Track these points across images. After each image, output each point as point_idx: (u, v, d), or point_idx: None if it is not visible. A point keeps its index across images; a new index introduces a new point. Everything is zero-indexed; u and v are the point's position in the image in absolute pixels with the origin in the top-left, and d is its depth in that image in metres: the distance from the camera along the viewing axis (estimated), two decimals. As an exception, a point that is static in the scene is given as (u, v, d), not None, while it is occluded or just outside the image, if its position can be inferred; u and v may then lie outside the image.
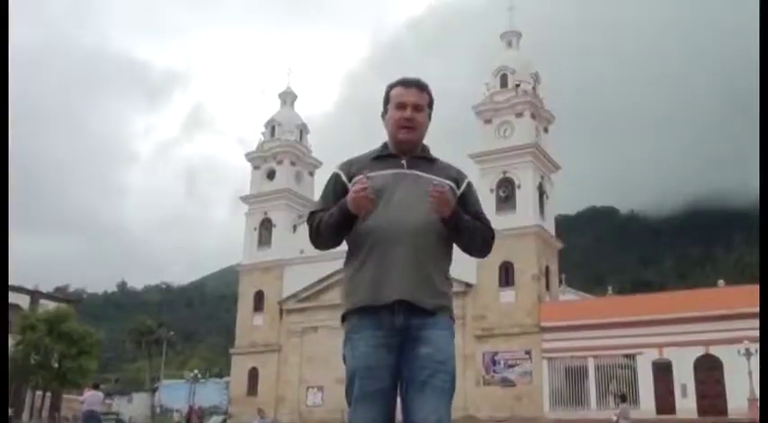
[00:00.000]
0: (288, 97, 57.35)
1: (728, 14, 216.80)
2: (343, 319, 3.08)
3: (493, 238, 3.14)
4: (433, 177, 3.05)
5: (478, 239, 3.08)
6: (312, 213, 3.15)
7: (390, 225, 2.95)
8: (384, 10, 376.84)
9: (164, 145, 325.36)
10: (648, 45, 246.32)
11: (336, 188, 3.09)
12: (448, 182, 3.07)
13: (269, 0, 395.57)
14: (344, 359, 3.03)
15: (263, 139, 55.02)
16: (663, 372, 36.68)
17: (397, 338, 2.92)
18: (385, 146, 3.21)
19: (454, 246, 3.14)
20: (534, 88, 46.41)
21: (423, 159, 3.16)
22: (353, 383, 2.93)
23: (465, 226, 3.01)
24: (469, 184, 3.18)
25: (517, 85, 45.54)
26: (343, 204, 2.96)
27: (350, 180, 3.04)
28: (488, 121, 45.32)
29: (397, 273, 2.92)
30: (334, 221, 3.00)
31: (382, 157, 3.15)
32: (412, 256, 2.94)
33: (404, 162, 3.11)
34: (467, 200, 3.12)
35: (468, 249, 3.13)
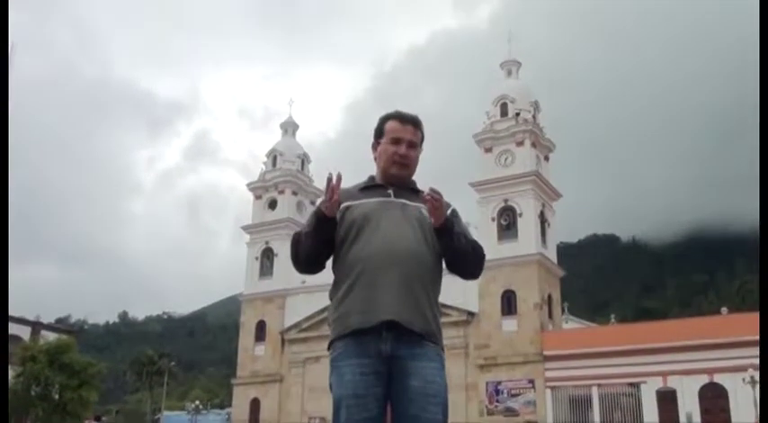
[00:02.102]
0: (289, 127, 57.65)
1: (730, 40, 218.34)
2: (330, 345, 3.09)
3: (484, 255, 3.13)
4: (421, 205, 3.05)
5: (469, 252, 3.06)
6: (296, 234, 3.18)
7: (378, 252, 2.95)
8: (386, 38, 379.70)
9: (166, 174, 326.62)
10: (648, 74, 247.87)
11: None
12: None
13: (272, 30, 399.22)
14: (331, 387, 3.03)
15: (264, 168, 55.25)
16: (667, 400, 36.39)
17: (385, 367, 2.90)
18: (371, 179, 3.22)
19: (443, 275, 3.13)
20: (534, 117, 46.62)
21: (408, 190, 3.17)
22: (340, 412, 2.92)
23: (456, 236, 3.00)
24: (454, 211, 3.17)
25: (517, 114, 45.74)
26: (318, 209, 2.99)
27: (338, 207, 3.03)
28: (489, 150, 45.46)
29: (386, 296, 2.90)
30: (313, 229, 3.02)
31: (369, 188, 3.16)
32: (401, 282, 2.92)
33: (390, 191, 3.12)
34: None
35: (460, 264, 3.10)
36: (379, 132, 3.23)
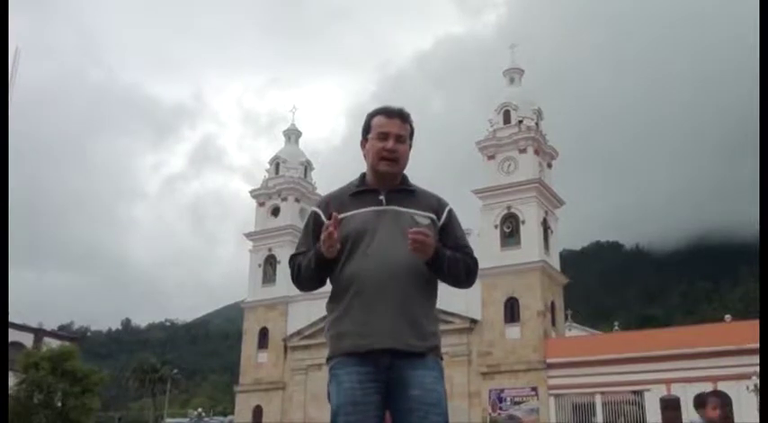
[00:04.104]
0: (292, 134, 57.72)
1: (733, 49, 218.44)
2: (328, 358, 3.04)
3: (476, 266, 3.08)
4: (414, 211, 3.01)
5: (462, 271, 3.02)
6: (293, 256, 3.13)
7: (372, 270, 2.91)
8: (391, 44, 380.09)
9: (170, 180, 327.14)
10: (652, 80, 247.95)
11: (316, 228, 3.05)
12: (428, 215, 3.04)
13: (277, 35, 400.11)
14: (329, 396, 2.98)
15: (267, 176, 55.32)
16: (671, 408, 36.24)
17: (384, 375, 2.87)
18: (362, 178, 3.16)
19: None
20: (537, 124, 46.63)
21: (402, 192, 3.10)
22: (338, 420, 2.88)
23: (447, 262, 2.96)
24: (450, 213, 3.12)
25: (520, 122, 45.75)
26: (318, 251, 2.94)
27: (329, 218, 2.97)
28: (492, 157, 45.48)
29: (383, 320, 2.87)
30: (315, 267, 2.98)
31: (360, 193, 3.09)
32: (397, 301, 2.89)
33: (382, 198, 3.04)
34: (448, 230, 3.08)
35: (451, 282, 3.06)
36: (367, 129, 3.16)
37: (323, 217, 3.05)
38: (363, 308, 2.90)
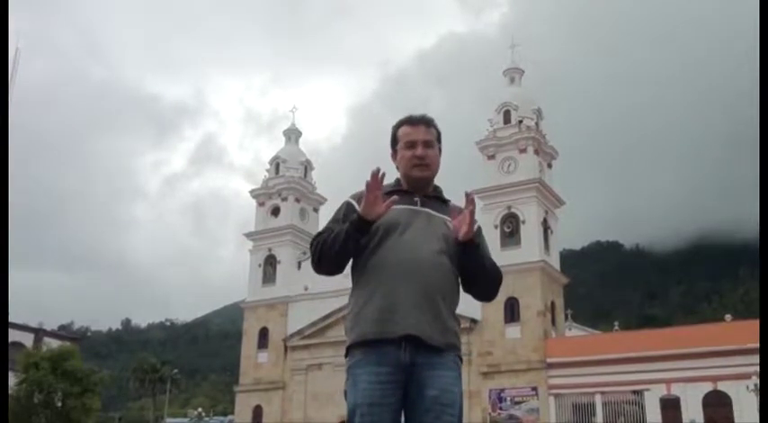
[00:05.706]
0: (292, 134, 57.75)
1: (733, 49, 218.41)
2: (347, 352, 3.03)
3: (501, 279, 3.14)
4: (446, 217, 3.06)
5: (489, 272, 3.07)
6: (317, 234, 3.08)
7: (401, 261, 2.94)
8: (393, 42, 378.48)
9: (171, 179, 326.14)
10: (653, 80, 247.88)
11: (348, 214, 3.02)
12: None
13: (279, 34, 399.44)
14: (345, 394, 2.98)
15: (267, 175, 55.35)
16: (671, 408, 36.29)
17: (402, 376, 2.88)
18: (398, 182, 3.21)
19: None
20: (537, 124, 46.67)
21: (435, 199, 3.16)
22: (354, 420, 2.88)
23: (481, 254, 3.02)
24: (480, 229, 3.16)
25: (520, 122, 45.80)
26: (358, 214, 2.91)
27: None
28: (492, 157, 45.52)
29: (406, 308, 2.89)
30: (352, 232, 2.91)
31: (396, 193, 3.12)
32: (422, 293, 2.91)
33: (417, 200, 3.11)
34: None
35: (478, 284, 3.11)
36: (394, 140, 3.24)
37: (357, 207, 3.02)
38: (387, 297, 2.91)
